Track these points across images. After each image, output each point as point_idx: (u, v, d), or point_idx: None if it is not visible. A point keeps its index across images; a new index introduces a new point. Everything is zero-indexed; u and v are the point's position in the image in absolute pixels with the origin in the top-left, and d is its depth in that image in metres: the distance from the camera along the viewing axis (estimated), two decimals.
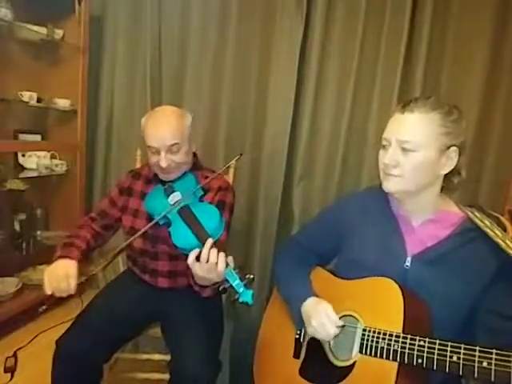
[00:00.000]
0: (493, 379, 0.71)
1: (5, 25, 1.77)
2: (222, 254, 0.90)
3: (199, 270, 0.91)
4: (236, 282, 0.88)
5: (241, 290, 0.87)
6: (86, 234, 1.27)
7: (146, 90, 2.05)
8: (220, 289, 0.91)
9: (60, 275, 1.05)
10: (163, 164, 1.18)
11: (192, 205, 1.05)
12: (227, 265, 0.89)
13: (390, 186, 0.92)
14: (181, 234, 0.98)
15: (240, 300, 0.87)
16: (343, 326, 0.94)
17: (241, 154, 1.19)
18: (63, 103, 2.03)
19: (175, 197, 1.09)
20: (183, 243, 0.97)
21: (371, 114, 1.82)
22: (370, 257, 0.98)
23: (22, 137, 2.07)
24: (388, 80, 1.76)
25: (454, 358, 0.76)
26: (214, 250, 0.90)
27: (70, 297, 1.09)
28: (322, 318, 0.94)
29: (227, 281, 0.89)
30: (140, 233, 1.05)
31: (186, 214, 1.02)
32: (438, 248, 0.91)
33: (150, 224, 1.03)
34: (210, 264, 0.89)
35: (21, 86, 1.93)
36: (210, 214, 1.01)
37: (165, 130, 1.18)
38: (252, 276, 0.89)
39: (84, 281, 1.10)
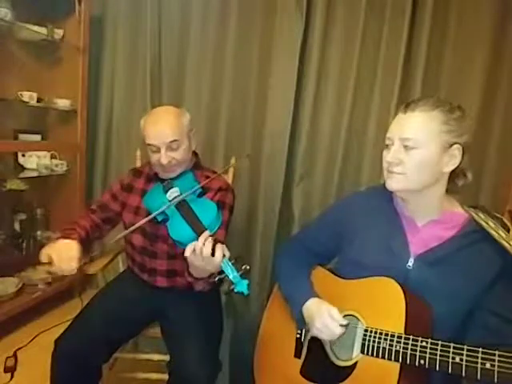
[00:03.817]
0: (496, 381, 0.71)
1: (5, 25, 1.77)
2: (218, 246, 0.90)
3: (195, 260, 0.91)
4: (231, 273, 0.88)
5: (236, 280, 0.87)
6: (85, 224, 1.27)
7: (146, 90, 2.06)
8: (216, 279, 0.91)
9: (63, 256, 1.04)
10: (164, 161, 1.19)
11: (190, 200, 1.06)
12: (223, 255, 0.89)
13: (393, 184, 0.92)
14: (177, 228, 0.99)
15: (235, 290, 0.87)
16: (347, 325, 0.94)
17: (248, 155, 1.20)
18: (63, 103, 2.03)
19: (173, 192, 1.10)
20: (180, 236, 0.97)
21: (371, 113, 1.82)
22: (373, 257, 0.98)
23: (22, 137, 2.07)
24: (388, 80, 1.76)
25: (457, 360, 0.76)
26: (209, 242, 0.90)
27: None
28: (325, 318, 0.94)
29: (222, 271, 0.89)
30: (138, 225, 1.02)
31: (183, 208, 1.02)
32: (442, 249, 0.91)
33: (148, 217, 1.02)
34: (205, 255, 0.89)
35: (21, 86, 1.93)
36: (206, 208, 1.01)
37: (164, 128, 1.20)
38: (248, 267, 0.89)
39: (85, 263, 1.09)
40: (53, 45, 2.01)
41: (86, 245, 1.22)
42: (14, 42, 1.97)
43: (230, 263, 0.89)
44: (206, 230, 0.93)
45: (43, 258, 1.05)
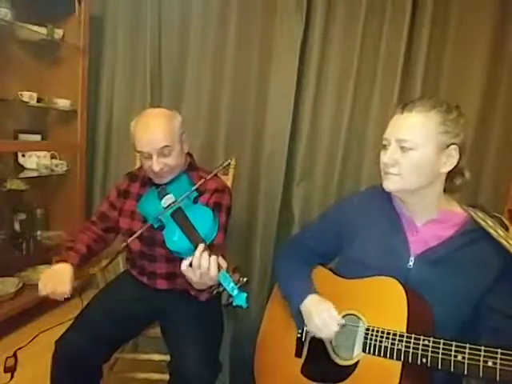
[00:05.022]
0: (498, 378, 0.71)
1: (5, 25, 1.77)
2: (213, 258, 0.88)
3: (192, 275, 0.90)
4: (229, 286, 0.86)
5: (234, 293, 0.85)
6: (86, 238, 1.27)
7: (146, 90, 2.06)
8: (214, 292, 0.90)
9: (55, 280, 1.09)
10: (156, 168, 1.16)
11: (185, 207, 1.04)
12: (220, 268, 0.88)
13: (389, 185, 0.92)
14: (174, 238, 0.97)
15: (234, 304, 0.85)
16: (344, 325, 0.94)
17: (230, 161, 1.21)
18: (63, 103, 2.03)
19: (168, 199, 1.08)
20: (176, 247, 0.96)
21: (371, 114, 1.82)
22: (373, 256, 0.98)
23: (22, 137, 2.07)
24: (388, 80, 1.76)
25: (459, 358, 0.76)
26: (206, 255, 0.88)
27: (67, 298, 1.12)
28: (323, 315, 0.94)
29: (221, 284, 0.87)
30: (134, 236, 1.04)
31: (178, 216, 1.01)
32: (442, 248, 0.91)
33: (143, 228, 1.03)
34: (202, 269, 0.88)
35: (21, 86, 1.94)
36: (202, 217, 0.99)
37: (154, 134, 1.15)
38: (246, 279, 0.87)
39: (79, 283, 1.12)
40: (53, 45, 2.02)
41: (89, 258, 1.26)
42: (14, 42, 1.97)
43: (227, 275, 0.87)
44: (203, 239, 0.92)
45: (40, 287, 1.08)
